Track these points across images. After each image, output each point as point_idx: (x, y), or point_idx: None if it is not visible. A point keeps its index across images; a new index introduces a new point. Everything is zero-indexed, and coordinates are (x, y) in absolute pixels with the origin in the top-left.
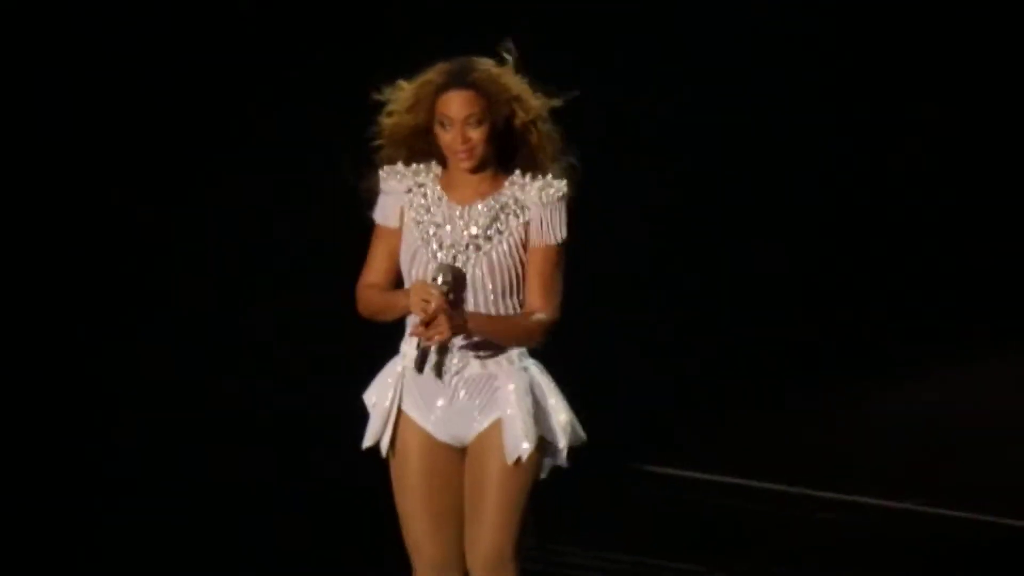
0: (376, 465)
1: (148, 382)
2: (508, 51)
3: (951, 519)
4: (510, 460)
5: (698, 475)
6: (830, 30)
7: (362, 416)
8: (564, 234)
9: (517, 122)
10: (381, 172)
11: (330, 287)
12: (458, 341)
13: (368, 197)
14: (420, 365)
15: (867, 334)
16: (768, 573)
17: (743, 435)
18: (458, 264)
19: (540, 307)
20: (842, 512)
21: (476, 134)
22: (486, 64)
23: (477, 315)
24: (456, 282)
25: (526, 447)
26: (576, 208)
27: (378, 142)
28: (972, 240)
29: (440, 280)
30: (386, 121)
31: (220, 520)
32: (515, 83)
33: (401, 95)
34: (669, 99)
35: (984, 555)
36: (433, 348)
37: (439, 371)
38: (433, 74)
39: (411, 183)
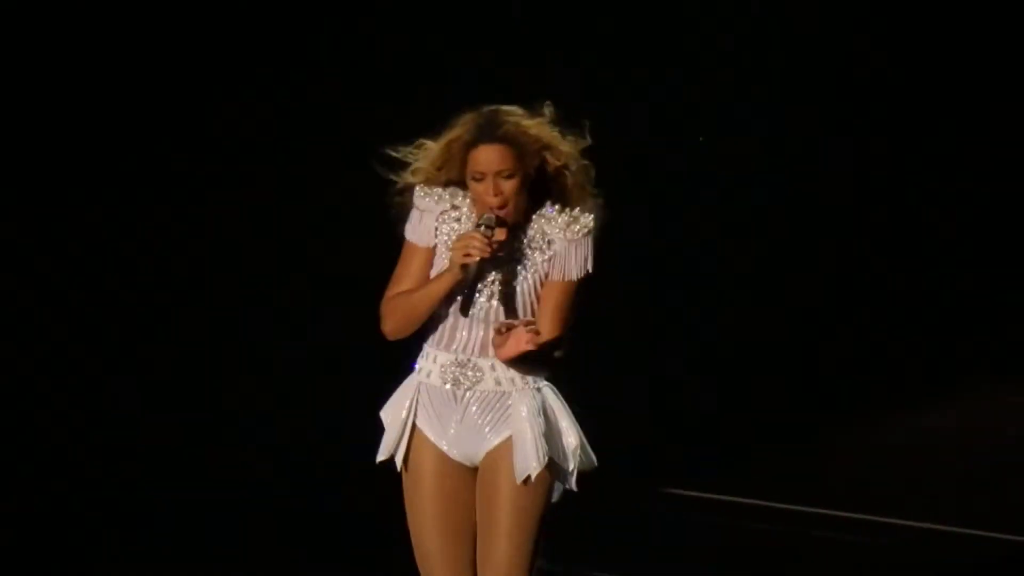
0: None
1: (148, 381)
2: (544, 106)
3: (977, 539)
4: (519, 479)
5: (717, 496)
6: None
7: (377, 434)
8: (586, 271)
9: (549, 168)
10: (418, 189)
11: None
12: (475, 357)
13: (398, 211)
14: (466, 308)
15: (889, 361)
16: None
17: (764, 459)
18: (483, 297)
19: (546, 334)
20: (862, 534)
21: (508, 186)
22: (515, 115)
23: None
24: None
25: (535, 466)
26: (602, 241)
27: (398, 194)
28: (1000, 267)
29: (483, 228)
30: (412, 180)
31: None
32: (545, 132)
33: (428, 154)
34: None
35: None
36: (482, 295)
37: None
38: (461, 130)
39: (447, 205)
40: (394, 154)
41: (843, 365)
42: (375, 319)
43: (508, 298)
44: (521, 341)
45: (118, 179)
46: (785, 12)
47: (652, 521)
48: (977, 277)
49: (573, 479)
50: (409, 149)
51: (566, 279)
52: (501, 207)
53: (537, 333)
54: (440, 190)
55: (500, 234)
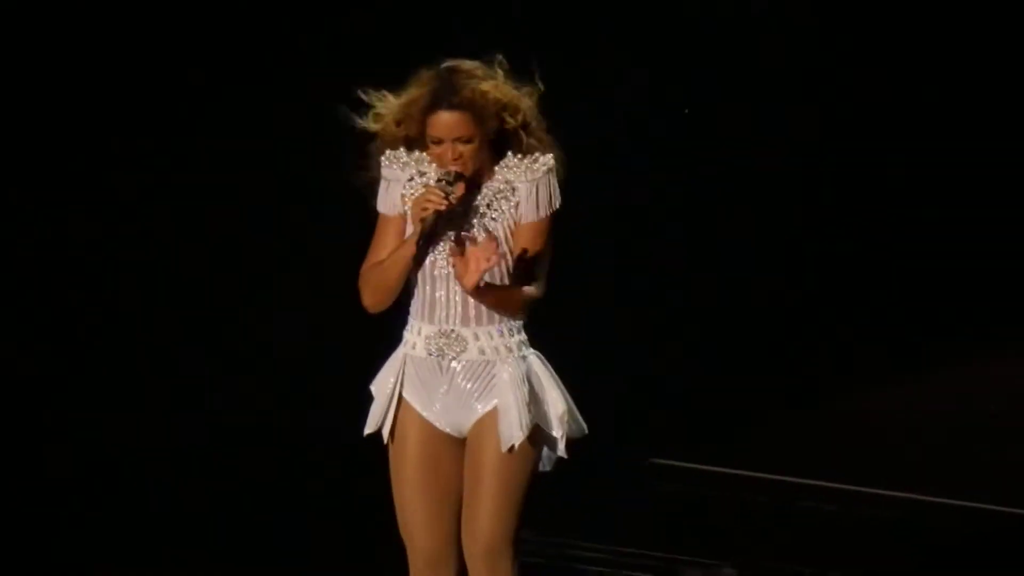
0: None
1: (148, 382)
2: (497, 62)
3: (976, 511)
4: (504, 448)
5: (707, 468)
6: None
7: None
8: (552, 208)
9: (508, 127)
10: (383, 159)
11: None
12: (458, 327)
13: (371, 187)
14: (419, 261)
15: (895, 330)
16: (776, 565)
17: (757, 429)
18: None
19: (528, 274)
20: (855, 504)
21: (467, 150)
22: (473, 76)
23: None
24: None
25: (519, 435)
26: (572, 188)
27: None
28: (1005, 236)
29: (443, 183)
30: (374, 129)
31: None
32: (502, 91)
33: (388, 106)
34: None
35: (1017, 547)
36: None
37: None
38: (419, 92)
39: (413, 171)
40: (362, 96)
41: (835, 335)
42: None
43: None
44: (481, 259)
45: (118, 178)
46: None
47: (637, 491)
48: (976, 243)
49: (562, 446)
50: (374, 96)
51: (534, 220)
52: (460, 169)
53: (495, 242)
54: (405, 156)
55: (460, 189)
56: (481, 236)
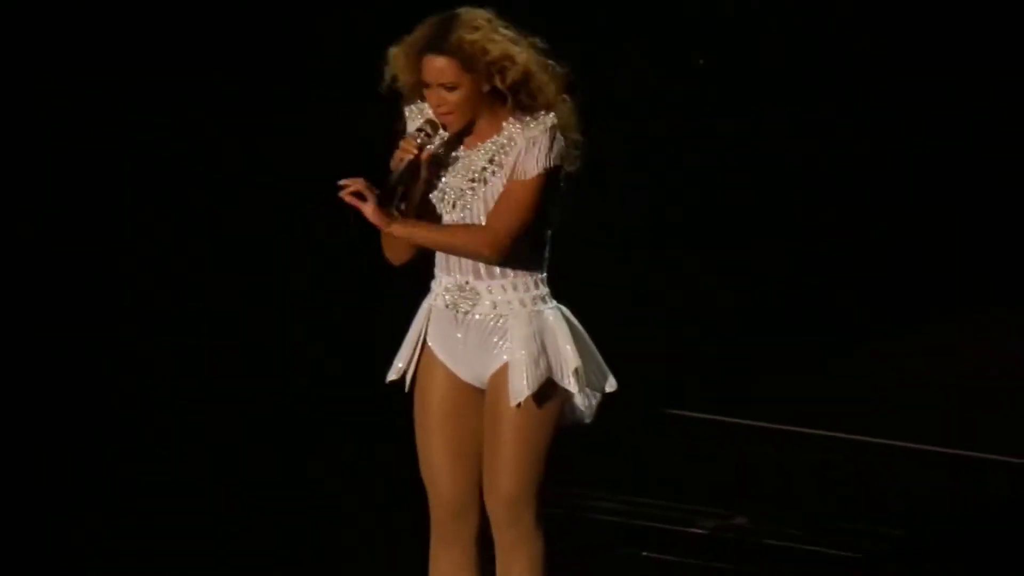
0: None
1: (150, 381)
2: (528, 40)
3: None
4: (513, 403)
5: (722, 419)
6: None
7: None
8: (542, 168)
9: (496, 84)
10: (406, 111)
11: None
12: (471, 280)
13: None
14: (383, 202)
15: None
16: (790, 515)
17: (769, 381)
18: (457, 209)
19: (490, 224)
20: (867, 456)
21: (452, 98)
22: (469, 22)
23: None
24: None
25: (525, 391)
26: (592, 148)
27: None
28: (1008, 195)
29: (420, 133)
30: (391, 56)
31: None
32: (497, 45)
33: (397, 48)
34: None
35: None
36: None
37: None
38: (418, 34)
39: (421, 121)
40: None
41: (845, 292)
42: None
43: (486, 205)
44: (366, 208)
45: (120, 177)
46: None
47: (658, 445)
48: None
49: (580, 400)
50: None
51: (523, 177)
52: (446, 115)
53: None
54: (426, 106)
55: (436, 140)
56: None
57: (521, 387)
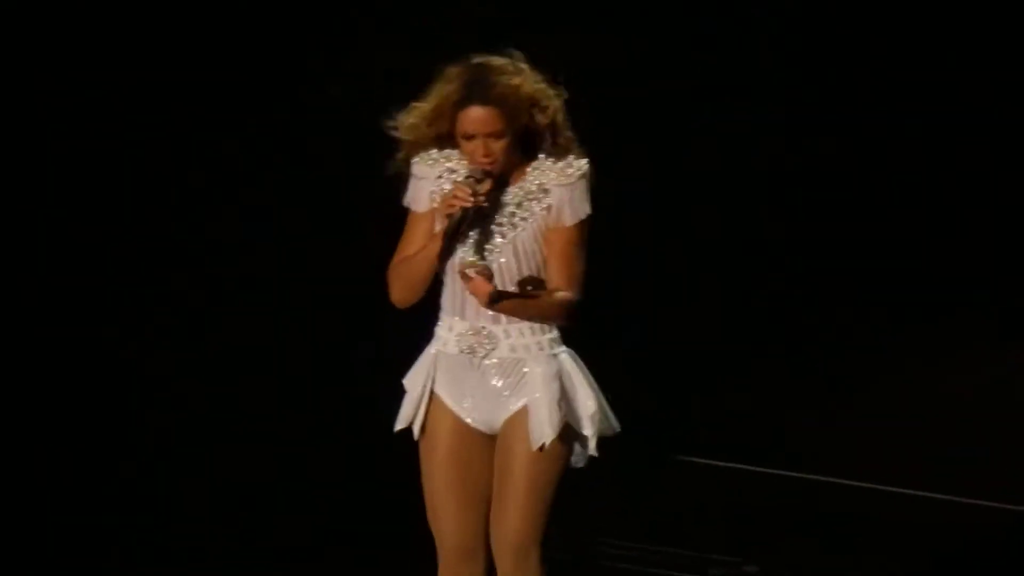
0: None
1: (150, 381)
2: (518, 59)
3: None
4: (534, 446)
5: (734, 465)
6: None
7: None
8: (584, 213)
9: (538, 124)
10: (414, 158)
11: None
12: (489, 324)
13: (399, 183)
14: (444, 257)
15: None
16: (802, 563)
17: (785, 427)
18: (486, 255)
19: (563, 287)
20: (883, 504)
21: (498, 146)
22: (503, 70)
23: (503, 291)
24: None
25: (549, 434)
26: (598, 191)
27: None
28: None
29: (471, 180)
30: (407, 126)
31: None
32: (532, 87)
33: (419, 112)
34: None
35: None
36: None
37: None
38: (451, 87)
39: (442, 169)
40: (390, 123)
41: (853, 327)
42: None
43: (515, 253)
44: (482, 284)
45: (122, 178)
46: None
47: (662, 488)
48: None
49: (593, 444)
50: (402, 114)
51: (566, 224)
52: (490, 164)
53: (533, 284)
54: (435, 153)
55: (487, 186)
56: (529, 265)
57: (545, 430)
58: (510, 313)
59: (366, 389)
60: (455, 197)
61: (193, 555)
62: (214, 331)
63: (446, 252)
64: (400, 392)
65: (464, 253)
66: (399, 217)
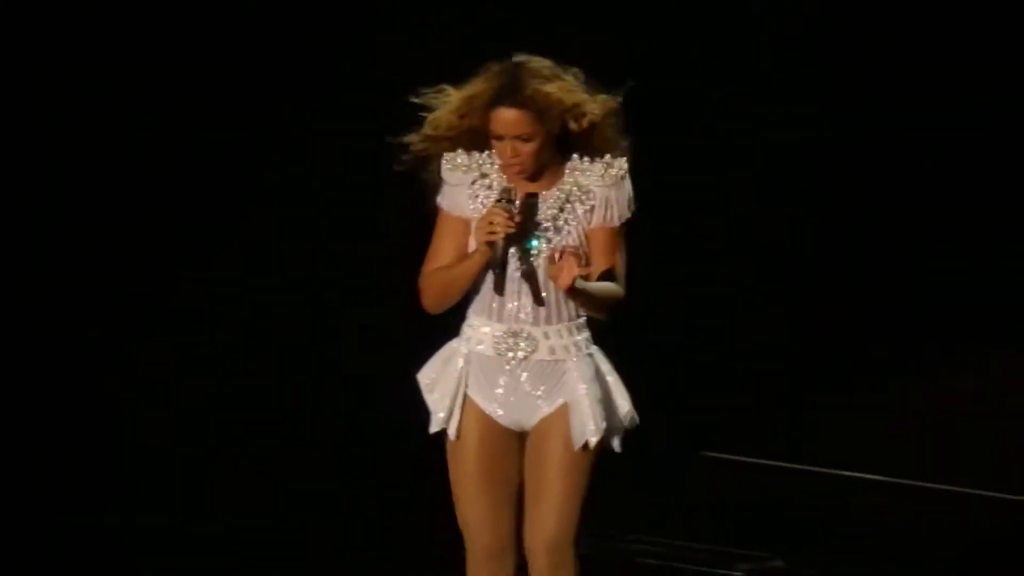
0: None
1: (152, 381)
2: (571, 72)
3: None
4: (577, 445)
5: (763, 462)
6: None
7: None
8: (630, 212)
9: (572, 130)
10: (443, 162)
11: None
12: (528, 327)
13: (426, 186)
14: (500, 287)
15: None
16: (829, 558)
17: (810, 423)
18: (532, 260)
19: (616, 274)
20: (908, 498)
21: (526, 149)
22: (539, 72)
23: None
24: (529, 209)
25: (593, 431)
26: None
27: (421, 139)
28: None
29: (503, 202)
30: (437, 121)
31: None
32: (568, 94)
33: (450, 100)
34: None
35: None
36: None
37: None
38: (484, 85)
39: (476, 174)
40: (416, 100)
41: (878, 327)
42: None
43: (531, 274)
44: (574, 267)
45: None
46: None
47: (688, 484)
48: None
49: (617, 441)
50: (430, 93)
51: (610, 224)
52: (518, 166)
53: (581, 260)
54: (466, 159)
55: (522, 190)
56: (570, 240)
57: (588, 429)
58: (581, 301)
59: (366, 389)
60: (492, 223)
61: (193, 555)
62: (214, 331)
63: (499, 282)
64: (412, 388)
65: (513, 261)
66: (400, 217)
